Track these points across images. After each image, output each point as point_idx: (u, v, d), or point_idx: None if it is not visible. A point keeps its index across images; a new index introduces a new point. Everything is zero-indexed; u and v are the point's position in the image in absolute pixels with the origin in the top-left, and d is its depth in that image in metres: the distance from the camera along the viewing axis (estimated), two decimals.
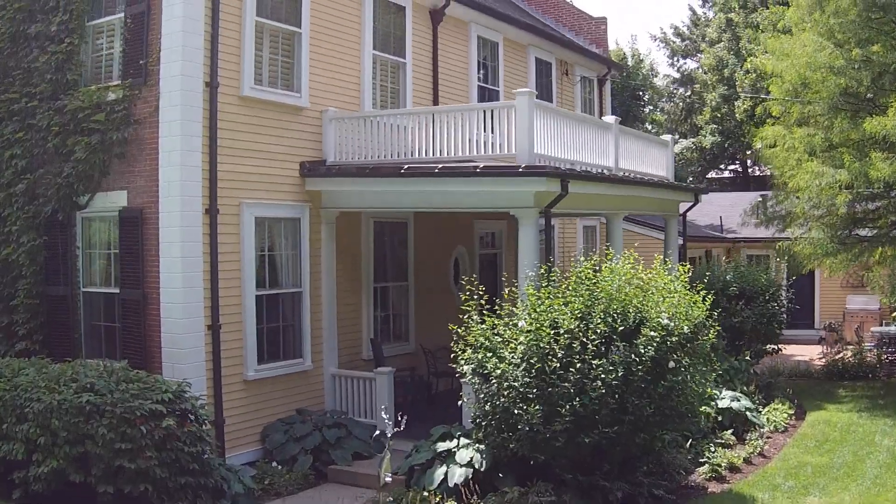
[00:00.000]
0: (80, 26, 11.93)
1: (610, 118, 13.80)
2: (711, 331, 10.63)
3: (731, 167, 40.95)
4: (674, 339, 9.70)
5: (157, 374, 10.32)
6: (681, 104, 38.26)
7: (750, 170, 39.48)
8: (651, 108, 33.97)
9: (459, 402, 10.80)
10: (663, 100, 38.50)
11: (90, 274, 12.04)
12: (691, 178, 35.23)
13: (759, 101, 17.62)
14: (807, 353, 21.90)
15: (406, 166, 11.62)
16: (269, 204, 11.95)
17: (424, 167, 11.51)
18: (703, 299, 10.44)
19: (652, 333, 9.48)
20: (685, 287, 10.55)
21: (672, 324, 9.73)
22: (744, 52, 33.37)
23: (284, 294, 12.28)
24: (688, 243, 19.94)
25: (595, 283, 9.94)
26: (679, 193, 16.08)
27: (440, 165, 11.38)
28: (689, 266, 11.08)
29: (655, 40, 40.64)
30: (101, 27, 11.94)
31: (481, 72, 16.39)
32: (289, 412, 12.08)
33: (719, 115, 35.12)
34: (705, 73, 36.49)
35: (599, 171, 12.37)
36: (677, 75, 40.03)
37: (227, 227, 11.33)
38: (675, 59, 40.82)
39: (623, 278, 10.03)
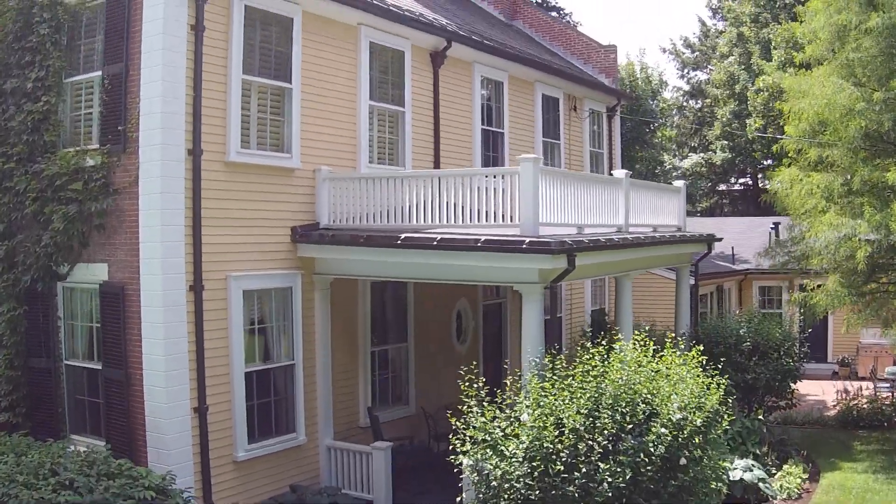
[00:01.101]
0: (58, 83, 11.28)
1: (620, 173, 13.10)
2: (725, 420, 10.01)
3: (742, 180, 40.20)
4: (686, 433, 9.09)
5: (141, 465, 9.76)
6: (691, 117, 37.53)
7: (760, 183, 38.71)
8: (661, 122, 32.95)
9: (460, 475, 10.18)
10: (674, 112, 37.68)
11: (73, 346, 11.43)
12: (701, 192, 34.51)
13: (775, 140, 16.87)
14: (820, 392, 21.22)
15: (403, 236, 10.95)
16: (258, 275, 11.29)
17: (422, 238, 10.83)
18: (718, 384, 9.85)
19: (663, 430, 8.87)
20: (697, 365, 9.98)
21: (684, 417, 9.12)
22: (755, 67, 32.63)
23: (276, 368, 11.64)
24: (699, 281, 19.26)
25: (602, 373, 9.33)
26: (692, 245, 15.38)
27: (439, 237, 10.70)
28: (701, 352, 10.45)
29: (665, 52, 39.90)
30: (80, 84, 11.28)
31: (485, 113, 15.67)
32: (282, 489, 11.47)
33: (730, 130, 34.37)
34: (716, 87, 35.72)
35: (608, 237, 11.65)
36: (687, 87, 39.29)
37: (213, 302, 10.69)
38: (686, 70, 40.02)
39: (631, 370, 9.41)
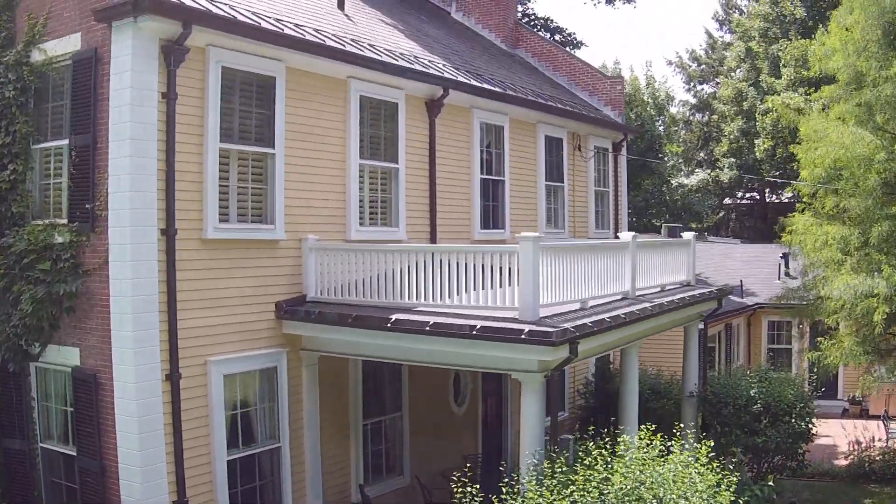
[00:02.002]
0: (26, 150, 10.60)
1: (627, 236, 12.37)
2: None
3: (749, 194, 39.38)
4: None
5: None
6: (698, 132, 36.74)
7: (768, 199, 37.93)
8: (667, 141, 32.30)
9: None
10: (680, 127, 36.89)
11: (48, 428, 10.78)
12: (708, 210, 33.70)
13: (788, 185, 16.13)
14: (831, 435, 20.48)
15: (394, 318, 10.24)
16: (240, 357, 10.57)
17: (413, 322, 10.11)
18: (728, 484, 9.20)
19: None
20: (708, 461, 9.34)
21: None
22: (763, 85, 31.83)
23: (261, 452, 10.94)
24: (708, 324, 18.54)
25: (605, 479, 8.69)
26: (702, 305, 14.63)
27: (431, 321, 9.98)
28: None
29: (671, 65, 39.04)
30: (49, 151, 10.59)
31: (484, 160, 14.92)
32: None
33: (737, 147, 33.60)
34: (723, 103, 34.88)
35: (614, 313, 10.94)
36: (694, 100, 38.45)
37: (191, 390, 9.99)
38: (692, 84, 39.18)
39: (635, 475, 8.75)
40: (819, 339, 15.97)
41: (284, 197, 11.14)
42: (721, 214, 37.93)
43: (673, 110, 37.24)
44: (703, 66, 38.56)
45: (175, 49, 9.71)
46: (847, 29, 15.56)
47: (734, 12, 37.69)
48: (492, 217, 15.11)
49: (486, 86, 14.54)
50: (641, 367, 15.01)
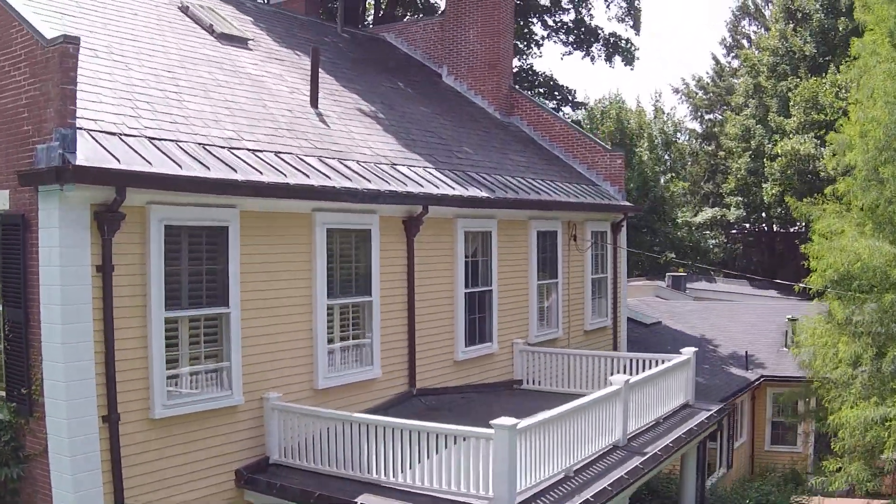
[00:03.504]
0: None
1: (619, 379, 11.38)
2: None
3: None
4: None
5: None
6: (704, 165, 35.57)
7: (776, 229, 36.82)
8: (673, 175, 31.40)
9: None
10: (686, 158, 35.75)
11: None
12: (715, 246, 32.63)
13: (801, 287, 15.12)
14: None
15: (358, 502, 9.34)
16: None
17: None
18: None
19: None
20: None
21: None
22: (772, 124, 30.65)
23: None
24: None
25: None
26: (703, 434, 13.62)
27: None
28: None
29: (677, 93, 37.79)
30: None
31: (469, 271, 13.91)
32: None
33: (745, 185, 32.44)
34: (730, 140, 33.68)
35: (599, 488, 9.99)
36: (701, 129, 37.25)
37: None
38: (699, 113, 37.97)
39: None
40: (823, 461, 15.05)
41: (242, 356, 10.18)
42: (727, 247, 36.72)
43: (681, 138, 36.15)
44: (711, 94, 37.33)
45: (109, 217, 8.77)
46: (867, 124, 14.41)
47: (742, 39, 36.41)
48: (478, 331, 14.12)
49: (472, 193, 13.48)
50: None
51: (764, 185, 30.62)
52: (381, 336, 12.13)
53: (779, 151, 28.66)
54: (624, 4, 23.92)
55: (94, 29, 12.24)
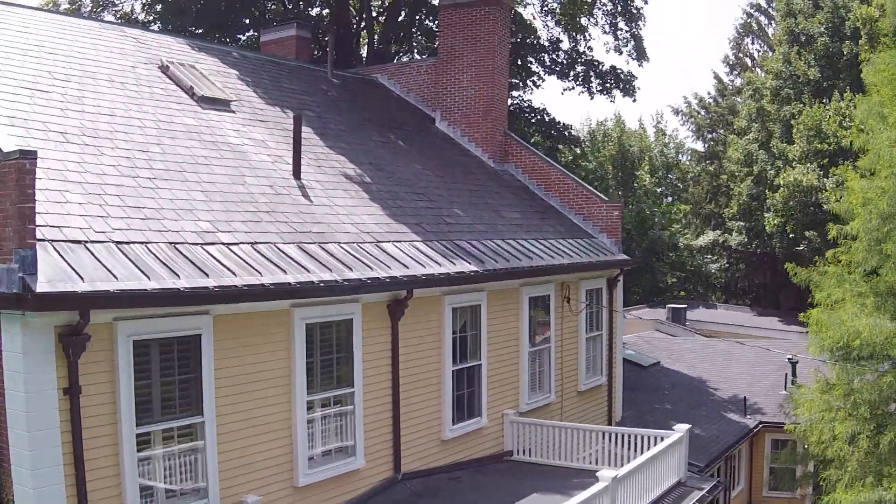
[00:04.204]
0: None
1: (607, 475, 10.97)
2: None
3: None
4: None
5: None
6: (706, 186, 35.08)
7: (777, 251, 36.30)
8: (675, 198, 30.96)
9: None
10: (688, 179, 35.26)
11: None
12: (716, 270, 32.15)
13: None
14: None
15: None
16: None
17: None
18: None
19: None
20: None
21: None
22: (774, 150, 30.12)
23: None
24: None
25: None
26: None
27: None
28: None
29: (678, 114, 37.24)
30: None
31: (458, 347, 13.48)
32: None
33: (747, 209, 31.93)
34: (733, 164, 33.16)
35: None
36: (703, 148, 36.75)
37: None
38: (701, 133, 37.44)
39: None
40: None
41: (218, 462, 9.78)
42: (729, 270, 36.19)
43: (683, 158, 35.67)
44: (713, 113, 36.79)
45: (73, 341, 8.38)
46: (870, 192, 13.87)
47: (746, 58, 35.84)
48: (466, 406, 13.72)
49: (460, 268, 13.03)
50: None
51: (766, 215, 30.14)
52: (365, 424, 11.74)
53: (781, 182, 28.19)
54: (626, 33, 23.36)
55: (68, 104, 11.82)
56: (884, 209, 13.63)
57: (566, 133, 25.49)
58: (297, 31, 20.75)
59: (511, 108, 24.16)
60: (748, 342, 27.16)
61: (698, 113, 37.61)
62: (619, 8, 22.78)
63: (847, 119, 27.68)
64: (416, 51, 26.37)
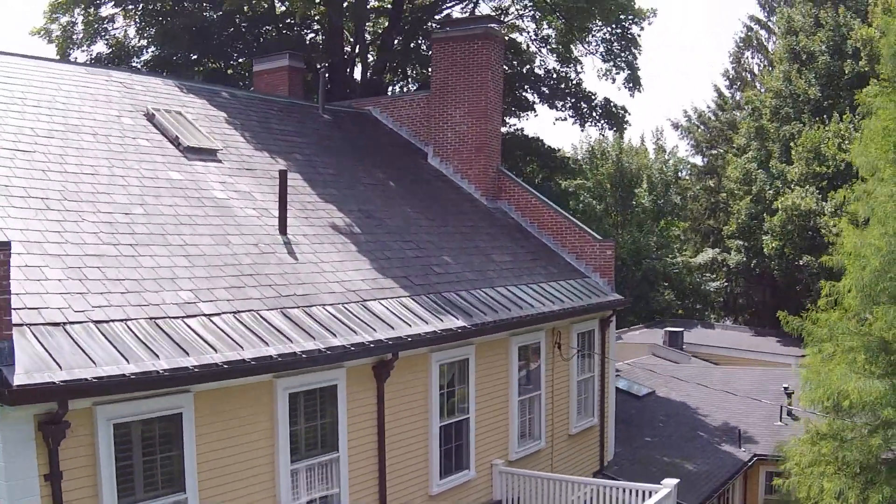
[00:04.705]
0: None
1: None
2: None
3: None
4: None
5: None
6: (705, 203, 34.94)
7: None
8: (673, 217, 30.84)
9: None
10: (687, 196, 35.10)
11: None
12: (715, 290, 32.03)
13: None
14: None
15: None
16: None
17: None
18: None
19: None
20: None
21: None
22: (773, 170, 29.95)
23: None
24: None
25: None
26: None
27: None
28: None
29: (678, 129, 37.06)
30: None
31: (445, 402, 13.39)
32: None
33: (746, 228, 31.77)
34: (732, 182, 32.98)
35: None
36: (702, 162, 36.59)
37: None
38: (701, 147, 37.27)
39: None
40: None
41: None
42: (726, 287, 36.00)
43: (682, 173, 35.54)
44: (713, 129, 36.63)
45: (53, 429, 8.32)
46: (864, 248, 13.71)
47: (746, 74, 35.62)
48: (454, 459, 13.64)
49: (447, 324, 12.91)
50: None
51: (764, 238, 30.00)
52: (350, 486, 11.66)
53: (779, 206, 28.04)
54: (622, 61, 23.16)
55: (50, 164, 11.73)
56: (877, 267, 13.49)
57: (562, 163, 25.32)
58: (290, 61, 20.63)
59: (506, 136, 24.04)
60: (746, 367, 27.07)
61: (697, 128, 37.44)
62: (616, 34, 22.60)
63: (846, 141, 27.48)
64: (409, 79, 26.20)
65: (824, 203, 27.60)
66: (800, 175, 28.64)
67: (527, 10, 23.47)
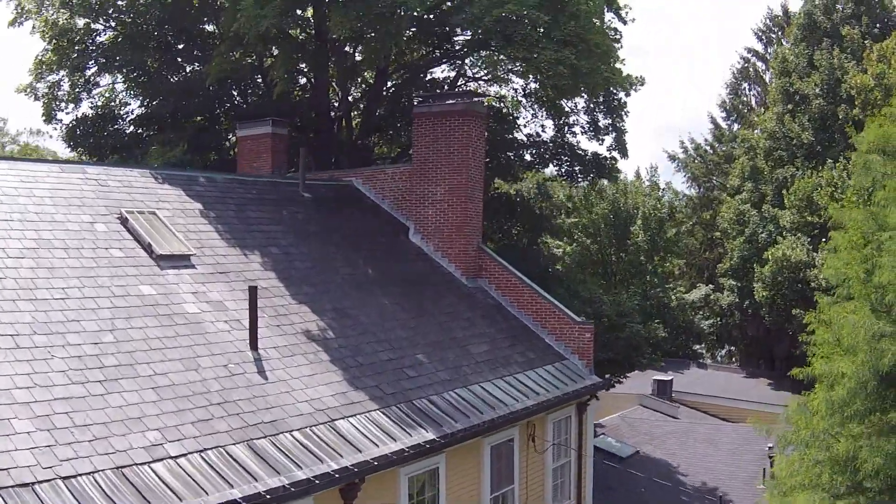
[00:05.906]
0: None
1: None
2: None
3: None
4: None
5: None
6: (700, 238, 34.97)
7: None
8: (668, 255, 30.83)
9: None
10: (682, 231, 35.09)
11: None
12: (708, 328, 32.10)
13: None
14: None
15: None
16: None
17: None
18: None
19: None
20: None
21: None
22: (766, 214, 29.95)
23: None
24: None
25: None
26: None
27: None
28: None
29: (674, 161, 37.03)
30: None
31: None
32: None
33: (740, 269, 31.82)
34: (726, 221, 32.97)
35: None
36: (698, 193, 36.58)
37: None
38: (697, 180, 37.24)
39: None
40: None
41: None
42: (719, 323, 36.01)
43: (676, 204, 35.52)
44: (709, 162, 36.63)
45: None
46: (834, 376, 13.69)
47: (743, 108, 35.54)
48: None
49: (416, 439, 13.01)
50: None
51: (755, 285, 30.06)
52: None
53: (769, 256, 28.09)
54: (609, 126, 23.18)
55: (21, 293, 11.84)
56: (844, 396, 13.48)
57: (549, 224, 25.37)
58: (273, 128, 20.75)
59: (491, 196, 24.09)
60: (735, 416, 27.15)
61: (694, 160, 37.47)
62: (602, 107, 22.62)
63: (839, 190, 27.45)
64: (394, 146, 26.24)
65: (815, 254, 27.65)
66: (791, 223, 28.64)
67: (512, 76, 23.53)
